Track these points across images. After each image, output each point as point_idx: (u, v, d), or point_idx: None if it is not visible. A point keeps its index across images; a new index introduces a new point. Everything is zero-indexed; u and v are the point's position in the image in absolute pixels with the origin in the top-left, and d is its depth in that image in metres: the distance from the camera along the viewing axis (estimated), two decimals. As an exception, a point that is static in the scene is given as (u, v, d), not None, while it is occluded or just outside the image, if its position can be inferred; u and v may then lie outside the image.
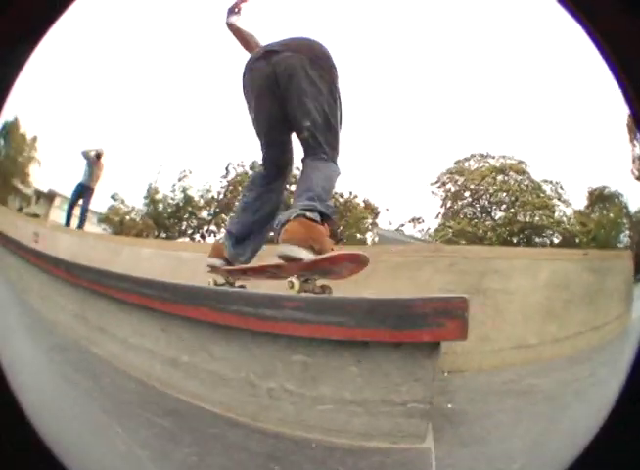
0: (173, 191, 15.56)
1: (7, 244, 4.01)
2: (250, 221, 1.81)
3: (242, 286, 1.82)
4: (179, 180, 15.46)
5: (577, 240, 14.40)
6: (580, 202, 15.66)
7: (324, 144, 1.67)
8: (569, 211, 15.65)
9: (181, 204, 15.33)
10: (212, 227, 14.97)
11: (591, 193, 15.21)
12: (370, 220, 15.69)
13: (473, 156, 17.78)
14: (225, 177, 14.67)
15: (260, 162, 1.95)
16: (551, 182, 16.23)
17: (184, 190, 15.32)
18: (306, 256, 1.34)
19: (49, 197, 19.57)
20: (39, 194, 19.57)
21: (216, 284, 1.81)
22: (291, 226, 1.37)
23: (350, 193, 15.50)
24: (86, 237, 5.81)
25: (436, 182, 17.80)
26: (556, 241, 15.10)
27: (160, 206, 15.44)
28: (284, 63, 1.68)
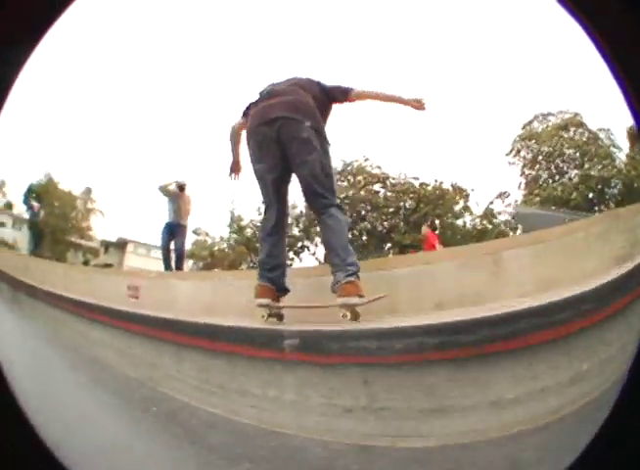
0: (260, 214, 15.58)
1: (84, 311, 2.79)
2: (277, 264, 2.23)
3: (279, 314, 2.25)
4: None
5: (635, 185, 14.39)
6: (625, 144, 15.63)
7: (329, 196, 2.12)
8: (622, 157, 15.67)
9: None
10: (306, 242, 15.03)
11: (629, 133, 14.86)
12: (462, 204, 15.39)
13: (536, 117, 17.81)
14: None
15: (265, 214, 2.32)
16: (603, 129, 16.23)
17: (269, 210, 15.06)
18: (357, 301, 1.92)
19: (120, 245, 19.39)
20: (106, 244, 19.29)
21: (269, 316, 2.19)
22: (345, 287, 1.93)
23: (436, 181, 15.29)
24: (205, 278, 4.08)
25: (511, 151, 17.75)
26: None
27: (249, 231, 15.50)
28: (286, 129, 2.09)
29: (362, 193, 15.00)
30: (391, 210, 15.21)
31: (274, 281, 2.18)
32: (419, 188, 15.15)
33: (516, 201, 16.66)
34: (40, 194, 18.38)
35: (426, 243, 5.43)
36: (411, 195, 15.08)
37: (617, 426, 0.63)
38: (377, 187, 15.59)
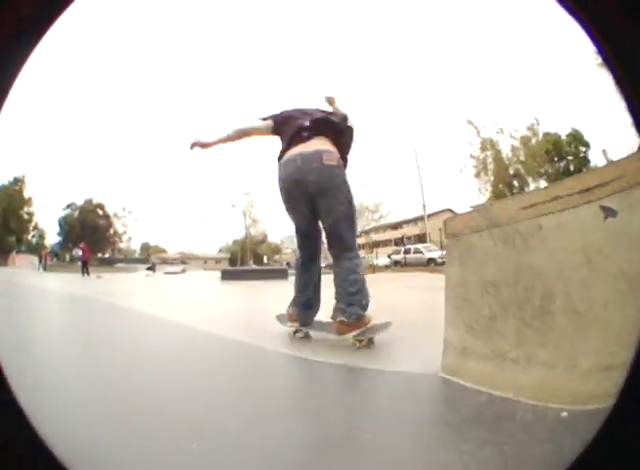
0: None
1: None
2: (309, 297, 2.47)
3: (307, 333, 2.50)
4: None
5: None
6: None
7: (348, 241, 2.26)
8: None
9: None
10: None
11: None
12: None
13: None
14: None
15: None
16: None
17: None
18: (339, 337, 2.24)
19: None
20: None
21: (295, 333, 2.51)
22: (339, 325, 2.22)
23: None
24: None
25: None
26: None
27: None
28: (315, 184, 2.18)
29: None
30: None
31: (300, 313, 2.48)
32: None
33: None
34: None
35: None
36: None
37: (617, 426, 0.63)
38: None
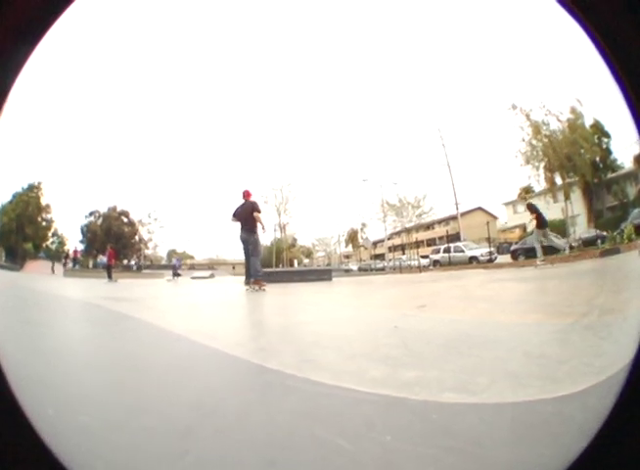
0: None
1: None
2: (249, 273, 7.51)
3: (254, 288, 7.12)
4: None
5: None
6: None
7: (255, 251, 7.52)
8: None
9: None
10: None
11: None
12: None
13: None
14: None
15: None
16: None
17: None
18: (257, 288, 6.98)
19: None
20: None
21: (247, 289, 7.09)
22: (255, 281, 7.17)
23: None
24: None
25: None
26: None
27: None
28: (245, 236, 7.56)
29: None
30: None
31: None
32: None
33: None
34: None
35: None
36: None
37: (617, 426, 0.63)
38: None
